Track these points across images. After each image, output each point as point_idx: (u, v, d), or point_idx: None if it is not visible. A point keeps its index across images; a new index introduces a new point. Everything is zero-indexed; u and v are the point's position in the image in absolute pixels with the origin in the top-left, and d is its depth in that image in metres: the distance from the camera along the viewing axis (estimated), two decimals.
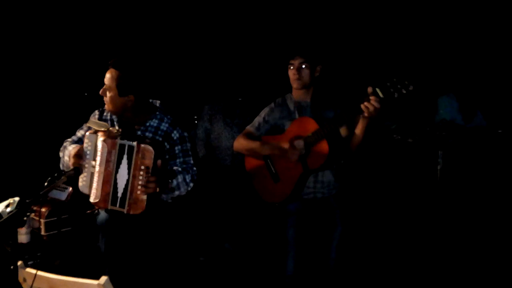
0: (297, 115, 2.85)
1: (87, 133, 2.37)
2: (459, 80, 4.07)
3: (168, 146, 2.51)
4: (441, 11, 4.65)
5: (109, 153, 2.30)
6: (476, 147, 3.77)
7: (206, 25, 4.91)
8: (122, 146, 2.29)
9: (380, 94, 2.43)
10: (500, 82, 4.49)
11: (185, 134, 2.57)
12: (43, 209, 2.80)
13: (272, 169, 2.87)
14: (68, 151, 2.43)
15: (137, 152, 2.26)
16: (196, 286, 3.51)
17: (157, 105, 2.62)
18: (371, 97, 2.45)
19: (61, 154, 2.53)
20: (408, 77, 2.36)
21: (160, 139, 2.49)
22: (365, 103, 2.46)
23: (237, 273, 3.75)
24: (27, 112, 4.27)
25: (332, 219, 2.88)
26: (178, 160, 2.52)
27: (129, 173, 2.28)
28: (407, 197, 4.08)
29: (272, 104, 2.94)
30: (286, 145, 2.73)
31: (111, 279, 1.59)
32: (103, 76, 2.44)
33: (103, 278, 1.59)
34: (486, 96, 4.21)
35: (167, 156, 2.50)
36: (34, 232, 2.81)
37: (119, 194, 2.29)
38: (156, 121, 2.53)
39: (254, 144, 2.86)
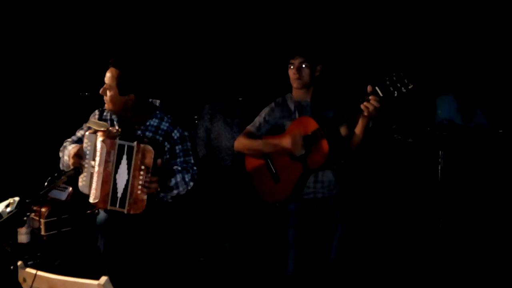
0: (297, 115, 2.85)
1: (87, 133, 2.36)
2: (458, 80, 4.06)
3: (168, 146, 2.51)
4: (441, 11, 4.65)
5: (108, 153, 2.29)
6: (476, 147, 3.77)
7: (206, 24, 4.91)
8: (121, 146, 2.28)
9: (380, 93, 2.43)
10: (500, 82, 4.49)
11: (186, 133, 2.57)
12: (43, 209, 2.80)
13: (272, 169, 2.86)
14: (68, 151, 2.42)
15: (137, 152, 2.25)
16: (197, 286, 3.51)
17: (157, 104, 2.61)
18: (371, 96, 2.44)
19: (61, 154, 2.53)
20: (408, 75, 2.35)
21: (161, 138, 2.48)
22: (365, 103, 2.46)
23: (237, 273, 3.76)
24: (27, 112, 4.27)
25: (332, 219, 2.88)
26: (178, 160, 2.52)
27: (129, 173, 2.27)
28: (407, 197, 4.08)
29: (273, 104, 2.94)
30: (288, 141, 2.71)
31: (111, 279, 1.59)
32: (103, 76, 2.44)
33: (103, 278, 1.58)
34: (486, 96, 4.21)
35: (167, 156, 2.50)
36: (34, 232, 2.81)
37: (119, 194, 2.29)
38: (156, 120, 2.52)
39: (255, 143, 2.85)
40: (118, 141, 2.28)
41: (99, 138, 2.31)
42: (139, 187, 2.25)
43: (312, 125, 2.69)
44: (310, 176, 2.80)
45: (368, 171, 4.26)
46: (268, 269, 3.52)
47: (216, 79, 4.51)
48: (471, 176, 3.81)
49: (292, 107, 2.89)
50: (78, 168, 2.27)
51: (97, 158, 2.30)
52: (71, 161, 2.32)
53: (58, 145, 2.57)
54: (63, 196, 2.93)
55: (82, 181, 2.35)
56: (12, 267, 1.72)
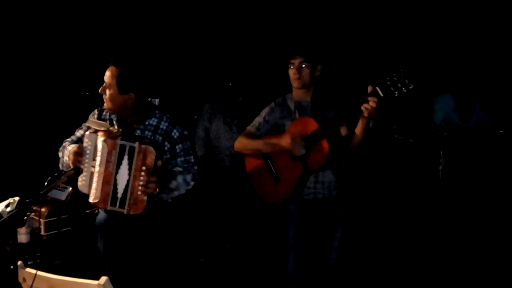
0: (297, 115, 2.84)
1: (87, 133, 2.36)
2: (457, 80, 4.06)
3: (168, 145, 2.50)
4: (439, 11, 4.65)
5: (109, 153, 2.29)
6: (477, 147, 3.77)
7: (206, 24, 4.91)
8: (123, 147, 2.28)
9: (380, 93, 2.43)
10: (500, 82, 4.49)
11: (185, 132, 2.56)
12: (43, 209, 2.80)
13: (272, 169, 2.86)
14: (68, 151, 2.41)
15: (138, 152, 2.25)
16: (197, 286, 3.51)
17: (156, 103, 2.61)
18: (371, 97, 2.44)
19: (60, 154, 2.52)
20: (408, 75, 2.35)
21: (160, 138, 2.48)
22: (365, 103, 2.45)
23: (237, 274, 3.75)
24: (27, 112, 4.26)
25: (332, 219, 2.87)
26: (179, 159, 2.52)
27: (129, 174, 2.27)
28: (408, 198, 4.07)
29: (273, 104, 2.93)
30: (287, 141, 2.71)
31: (111, 279, 1.59)
32: (102, 76, 2.43)
33: (103, 278, 1.58)
34: (486, 96, 4.21)
35: (167, 156, 2.49)
36: (34, 232, 2.80)
37: (119, 195, 2.29)
38: (156, 120, 2.52)
39: (255, 143, 2.85)
40: (119, 141, 2.28)
41: (100, 138, 2.30)
42: (140, 187, 2.25)
43: (312, 125, 2.69)
44: (311, 176, 2.80)
45: (368, 172, 4.26)
46: (268, 270, 3.52)
47: (216, 78, 4.50)
48: (472, 176, 3.81)
49: (292, 107, 2.88)
50: (78, 168, 2.26)
51: (98, 158, 2.30)
52: (71, 160, 2.32)
53: (57, 144, 2.56)
54: (63, 196, 2.93)
55: (81, 181, 2.35)
56: (12, 267, 1.72)
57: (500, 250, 3.69)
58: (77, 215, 2.90)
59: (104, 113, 2.55)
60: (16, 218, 1.74)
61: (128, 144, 2.27)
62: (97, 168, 2.30)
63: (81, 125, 2.59)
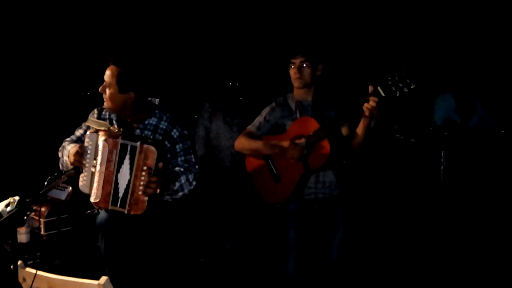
0: (298, 115, 2.84)
1: (88, 132, 2.36)
2: (457, 80, 4.06)
3: (168, 145, 2.50)
4: (440, 11, 4.65)
5: (110, 152, 2.29)
6: (479, 147, 3.76)
7: (207, 23, 4.90)
8: (124, 146, 2.28)
9: (382, 93, 2.42)
10: (501, 82, 4.48)
11: (185, 132, 2.56)
12: (43, 209, 2.79)
13: (273, 169, 2.86)
14: (67, 150, 2.41)
15: (140, 152, 2.25)
16: (197, 287, 3.50)
17: (156, 103, 2.61)
18: (372, 97, 2.43)
19: (60, 154, 2.51)
20: (410, 75, 2.34)
21: (160, 137, 2.48)
22: (367, 103, 2.45)
23: (238, 274, 3.75)
24: (26, 112, 4.26)
25: (333, 219, 2.87)
26: (179, 159, 2.51)
27: (131, 173, 2.27)
28: (409, 198, 4.07)
29: (273, 104, 2.93)
30: (286, 144, 2.71)
31: (111, 279, 1.58)
32: (102, 76, 2.43)
33: (103, 278, 1.58)
34: (487, 96, 4.21)
35: (168, 156, 2.49)
36: (33, 232, 2.80)
37: (120, 194, 2.28)
38: (155, 119, 2.51)
39: (255, 144, 2.85)
40: (120, 141, 2.28)
41: (101, 138, 2.30)
42: (141, 187, 2.25)
43: (313, 125, 2.68)
44: (311, 176, 2.79)
45: (369, 171, 4.25)
46: (268, 270, 3.51)
47: (216, 78, 4.50)
48: (474, 176, 3.81)
49: (293, 106, 2.88)
50: (78, 168, 2.27)
51: (99, 158, 2.29)
52: (71, 159, 2.32)
53: (57, 144, 2.56)
54: (63, 195, 2.93)
55: (82, 180, 2.35)
56: (12, 267, 1.71)
57: (502, 250, 3.69)
58: (77, 215, 2.89)
59: (103, 113, 2.54)
60: (16, 218, 1.74)
61: (130, 143, 2.27)
62: (98, 168, 2.30)
63: (81, 125, 2.58)
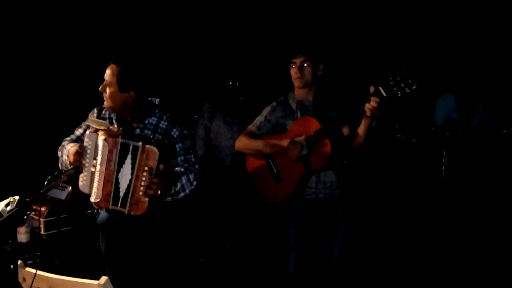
0: (299, 115, 2.83)
1: (87, 132, 2.35)
2: (458, 80, 4.06)
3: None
4: (441, 11, 4.64)
5: (110, 152, 2.28)
6: (480, 147, 3.76)
7: (207, 23, 4.90)
8: (126, 146, 2.27)
9: (383, 93, 2.41)
10: (502, 82, 4.48)
11: (185, 132, 2.55)
12: (42, 208, 2.79)
13: (274, 169, 2.85)
14: (67, 150, 2.40)
15: (142, 152, 2.24)
16: (197, 287, 3.50)
17: (156, 103, 2.60)
18: (374, 97, 2.43)
19: (59, 154, 2.51)
20: (411, 75, 2.34)
21: (160, 137, 2.47)
22: (368, 103, 2.44)
23: (238, 274, 3.74)
24: (26, 111, 4.25)
25: (334, 219, 2.86)
26: (179, 158, 2.51)
27: (132, 173, 2.26)
28: (411, 198, 4.07)
29: (274, 103, 2.92)
30: (285, 143, 2.70)
31: (111, 279, 1.58)
32: (102, 75, 2.42)
33: (103, 278, 1.57)
34: (488, 97, 4.21)
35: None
36: (33, 232, 2.79)
37: (121, 194, 2.28)
38: (155, 119, 2.51)
39: (256, 143, 2.84)
40: (120, 140, 2.27)
41: (101, 137, 2.29)
42: (142, 188, 2.24)
43: (314, 125, 2.68)
44: (312, 176, 2.79)
45: (371, 172, 4.25)
46: (269, 270, 3.51)
47: (216, 77, 4.49)
48: (475, 176, 3.81)
49: (294, 106, 2.87)
50: (78, 167, 2.26)
51: (99, 157, 2.29)
52: (71, 158, 2.31)
53: (57, 143, 2.56)
54: (62, 195, 2.92)
55: (82, 180, 2.34)
56: (12, 267, 1.71)
57: (502, 250, 3.68)
58: (77, 215, 2.89)
59: (103, 112, 2.54)
60: (16, 217, 1.73)
61: (132, 143, 2.26)
62: (98, 168, 2.29)
63: (81, 124, 2.58)
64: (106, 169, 2.29)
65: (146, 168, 2.23)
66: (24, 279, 1.72)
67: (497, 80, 4.49)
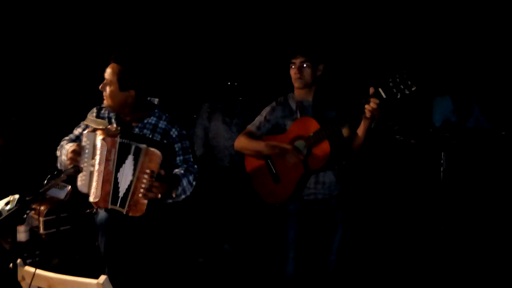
0: (298, 115, 2.83)
1: (86, 132, 2.35)
2: (455, 82, 4.07)
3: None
4: (439, 15, 4.65)
5: (108, 151, 2.28)
6: (479, 148, 3.76)
7: (206, 23, 4.90)
8: (126, 146, 2.27)
9: (383, 95, 2.41)
10: (501, 84, 4.49)
11: (184, 132, 2.55)
12: (42, 207, 2.79)
13: (273, 169, 2.85)
14: (66, 150, 2.40)
15: (145, 155, 2.24)
16: (195, 287, 3.50)
17: (156, 103, 2.60)
18: (373, 98, 2.43)
19: (58, 153, 2.50)
20: (411, 77, 2.34)
21: (159, 136, 2.47)
22: (367, 104, 2.44)
23: (237, 274, 3.74)
24: (26, 111, 4.25)
25: (333, 220, 2.86)
26: (178, 158, 2.51)
27: (133, 175, 2.26)
28: (409, 199, 4.07)
29: (274, 103, 2.92)
30: (288, 146, 2.71)
31: (110, 279, 1.58)
32: (101, 74, 2.43)
33: (102, 277, 1.57)
34: (487, 98, 4.21)
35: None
36: (33, 231, 2.79)
37: (121, 194, 2.28)
38: (154, 118, 2.51)
39: (255, 144, 2.84)
40: (119, 140, 2.27)
41: (99, 137, 2.29)
42: (142, 190, 2.24)
43: (313, 125, 2.68)
44: (311, 177, 2.79)
45: (369, 172, 4.25)
46: (267, 270, 3.51)
47: (215, 78, 4.49)
48: (474, 177, 3.81)
49: (293, 106, 2.87)
50: (77, 167, 2.25)
51: (97, 157, 2.29)
52: (69, 156, 2.30)
53: (57, 142, 2.55)
54: (62, 194, 2.92)
55: (81, 180, 2.34)
56: (11, 266, 1.71)
57: (501, 250, 3.69)
58: (76, 214, 2.89)
59: (102, 111, 2.54)
60: (15, 216, 1.73)
61: (135, 144, 2.26)
62: (96, 167, 2.29)
63: (80, 124, 2.57)
64: (104, 168, 2.28)
65: (147, 171, 2.23)
66: (23, 278, 1.72)
67: (493, 82, 4.50)
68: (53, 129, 3.24)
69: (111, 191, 2.28)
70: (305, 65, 2.79)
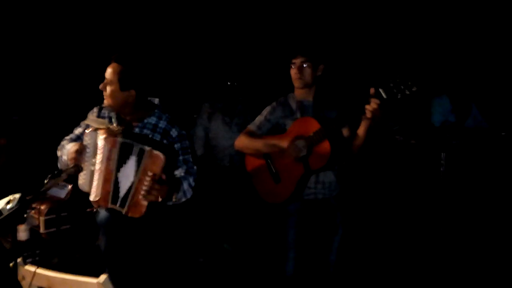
0: (299, 115, 2.84)
1: (87, 131, 2.35)
2: (453, 82, 4.07)
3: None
4: (438, 15, 4.66)
5: (110, 151, 2.29)
6: (478, 149, 3.77)
7: (206, 23, 4.90)
8: (128, 146, 2.27)
9: (384, 95, 2.42)
10: (500, 84, 4.49)
11: (184, 132, 2.56)
12: (42, 207, 2.79)
13: (273, 169, 2.85)
14: (67, 150, 2.40)
15: (148, 157, 2.24)
16: (195, 287, 3.50)
17: (156, 102, 2.61)
18: (374, 99, 2.43)
19: (59, 153, 2.51)
20: (412, 78, 2.34)
21: (159, 136, 2.48)
22: (368, 105, 2.45)
23: (236, 274, 3.74)
24: (26, 110, 4.26)
25: (332, 220, 2.86)
26: (178, 158, 2.51)
27: (135, 176, 2.26)
28: (409, 199, 4.07)
29: (274, 103, 2.93)
30: (285, 143, 2.71)
31: (111, 278, 1.58)
32: (102, 74, 2.43)
33: (103, 277, 1.58)
34: (486, 98, 4.22)
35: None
36: (33, 230, 2.79)
37: (121, 194, 2.28)
38: (155, 118, 2.51)
39: (255, 143, 2.84)
40: (120, 139, 2.28)
41: (100, 136, 2.30)
42: (142, 192, 2.24)
43: (314, 125, 2.68)
44: (311, 176, 2.79)
45: (369, 172, 4.25)
46: (267, 270, 3.51)
47: (215, 77, 4.49)
48: (474, 178, 3.81)
49: (294, 106, 2.88)
50: (78, 166, 2.26)
51: (98, 156, 2.29)
52: (70, 156, 2.31)
53: (58, 142, 2.56)
54: (62, 194, 2.92)
55: (82, 179, 2.35)
56: (11, 265, 1.71)
57: (501, 251, 3.69)
58: (76, 213, 2.89)
59: (103, 111, 2.54)
60: (16, 215, 1.73)
61: (139, 146, 2.26)
62: (97, 166, 2.30)
63: (80, 123, 2.58)
64: (105, 168, 2.29)
65: (149, 173, 2.23)
66: (24, 277, 1.72)
67: (491, 82, 4.50)
68: (54, 128, 3.25)
69: (112, 190, 2.28)
70: (305, 65, 2.79)
